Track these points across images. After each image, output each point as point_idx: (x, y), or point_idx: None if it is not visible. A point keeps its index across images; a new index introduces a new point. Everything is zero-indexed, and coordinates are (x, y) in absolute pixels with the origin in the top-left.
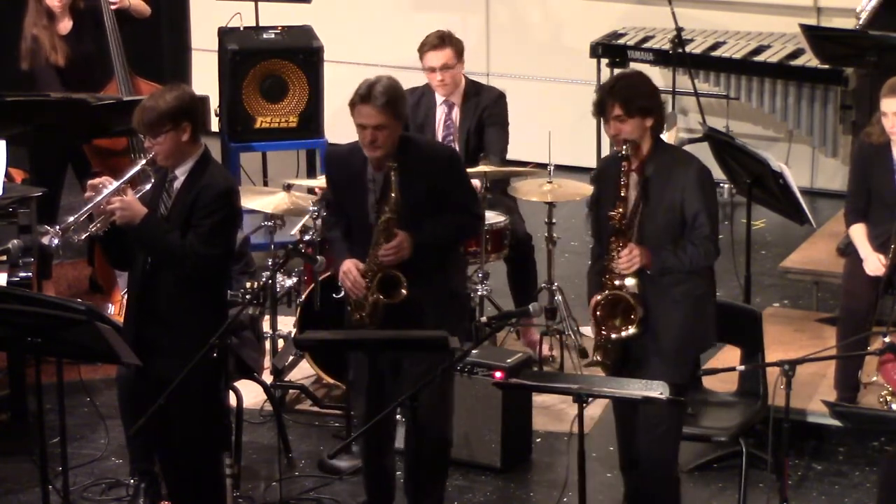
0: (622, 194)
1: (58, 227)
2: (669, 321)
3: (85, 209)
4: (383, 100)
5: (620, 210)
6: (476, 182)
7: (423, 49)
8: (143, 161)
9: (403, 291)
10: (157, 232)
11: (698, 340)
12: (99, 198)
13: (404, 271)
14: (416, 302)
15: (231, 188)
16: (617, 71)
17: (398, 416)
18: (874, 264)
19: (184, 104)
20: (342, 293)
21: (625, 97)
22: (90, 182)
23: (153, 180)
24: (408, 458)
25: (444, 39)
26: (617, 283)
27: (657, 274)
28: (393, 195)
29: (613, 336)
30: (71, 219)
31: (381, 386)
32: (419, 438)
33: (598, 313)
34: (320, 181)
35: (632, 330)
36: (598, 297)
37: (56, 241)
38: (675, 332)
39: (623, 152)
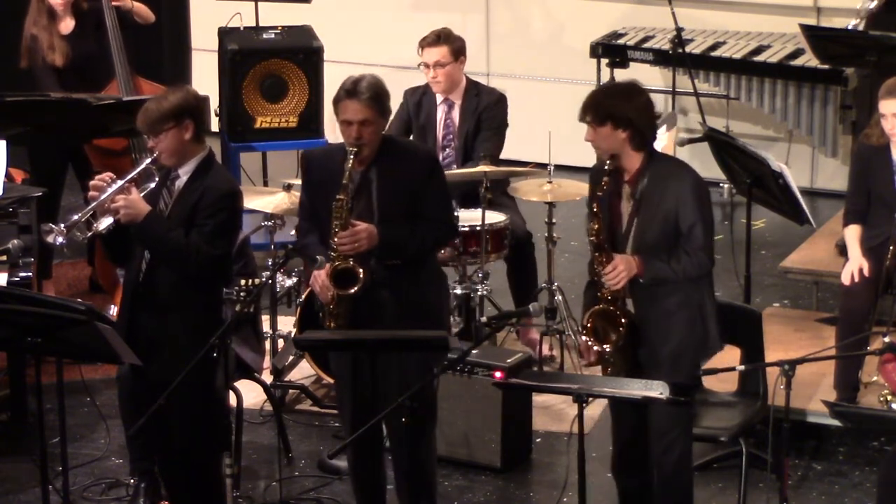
0: (595, 209)
1: (62, 225)
2: (665, 332)
3: (89, 207)
4: (369, 94)
5: (596, 226)
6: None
7: (421, 44)
8: (148, 160)
9: (354, 288)
10: (160, 230)
11: (697, 349)
12: (103, 196)
13: (376, 273)
14: (384, 308)
15: (235, 190)
16: (617, 71)
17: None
18: (853, 269)
19: (186, 103)
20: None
21: (597, 103)
22: (92, 182)
23: (157, 179)
24: (401, 463)
25: (440, 37)
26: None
27: (649, 283)
28: (344, 181)
29: (608, 349)
30: (75, 217)
31: (366, 388)
32: (410, 442)
33: (590, 326)
34: None
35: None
36: (587, 317)
37: (60, 239)
38: (671, 343)
39: (607, 166)
